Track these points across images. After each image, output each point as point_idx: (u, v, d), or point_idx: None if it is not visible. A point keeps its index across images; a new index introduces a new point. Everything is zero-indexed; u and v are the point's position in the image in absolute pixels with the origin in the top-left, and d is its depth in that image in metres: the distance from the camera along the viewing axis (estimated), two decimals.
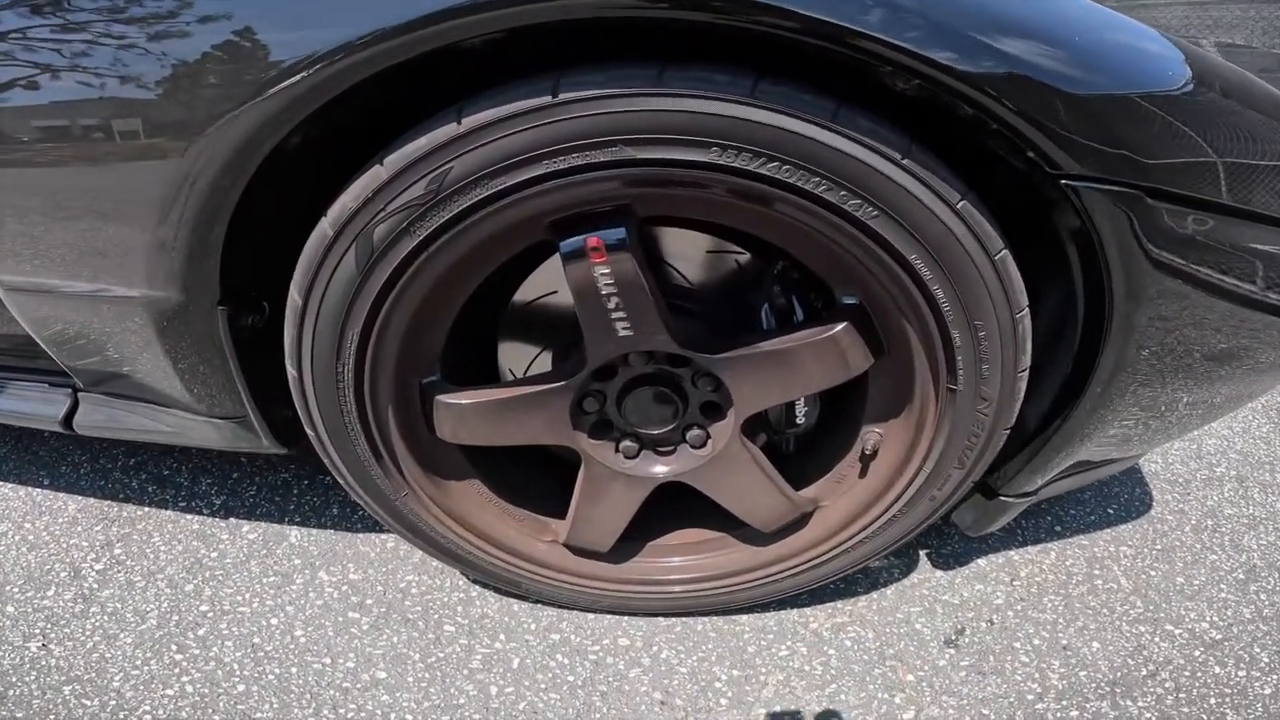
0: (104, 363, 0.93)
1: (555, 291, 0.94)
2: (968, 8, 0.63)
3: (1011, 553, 1.25)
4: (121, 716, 1.00)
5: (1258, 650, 1.10)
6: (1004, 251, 0.72)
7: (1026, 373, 0.80)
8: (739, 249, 0.91)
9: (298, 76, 0.66)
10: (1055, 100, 0.64)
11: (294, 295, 0.79)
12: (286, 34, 0.67)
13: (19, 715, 1.01)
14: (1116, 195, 0.67)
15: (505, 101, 0.68)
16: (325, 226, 0.74)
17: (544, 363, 1.02)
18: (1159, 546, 1.28)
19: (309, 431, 0.90)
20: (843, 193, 0.69)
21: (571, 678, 1.06)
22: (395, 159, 0.70)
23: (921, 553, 1.24)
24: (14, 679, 1.05)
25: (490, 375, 1.04)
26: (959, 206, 0.69)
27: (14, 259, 0.86)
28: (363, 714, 1.00)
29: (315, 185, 0.79)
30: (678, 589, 1.06)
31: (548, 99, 0.67)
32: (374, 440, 0.89)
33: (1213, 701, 1.02)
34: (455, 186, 0.70)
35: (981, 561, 1.23)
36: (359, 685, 1.05)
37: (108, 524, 1.31)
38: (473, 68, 0.73)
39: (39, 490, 1.40)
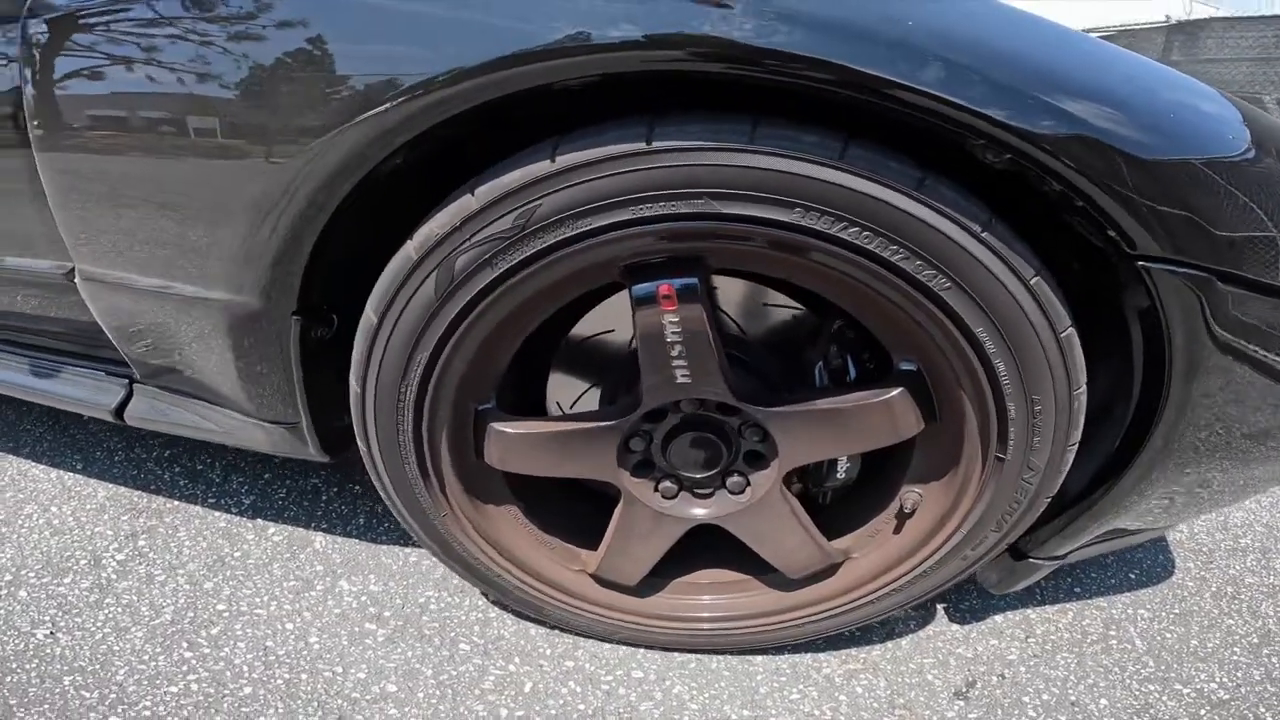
0: (166, 358, 0.92)
1: (612, 330, 0.94)
2: (1052, 75, 0.63)
3: (1029, 610, 1.24)
4: (120, 710, 0.97)
5: (1263, 710, 1.09)
6: (1070, 329, 0.72)
7: (1076, 446, 0.80)
8: (796, 304, 0.91)
9: (416, 97, 0.65)
10: (1131, 168, 0.62)
11: (369, 313, 0.78)
12: (410, 56, 0.66)
13: (11, 703, 0.97)
14: (1188, 278, 0.66)
15: (599, 144, 0.67)
16: (410, 250, 0.73)
17: (590, 399, 1.02)
18: (1177, 610, 1.28)
19: (361, 445, 0.89)
20: (919, 262, 0.69)
21: (583, 706, 1.04)
22: (486, 190, 0.70)
23: (939, 606, 1.23)
24: (14, 666, 1.02)
25: (534, 406, 1.03)
26: (1032, 283, 0.69)
27: (98, 250, 0.85)
28: None
29: (392, 208, 0.79)
30: (703, 626, 1.04)
31: (641, 145, 0.67)
32: (424, 460, 0.87)
33: None
34: (542, 223, 0.70)
35: (998, 618, 1.22)
36: (368, 697, 1.02)
37: (135, 514, 1.29)
38: (561, 105, 0.74)
39: (71, 474, 1.37)
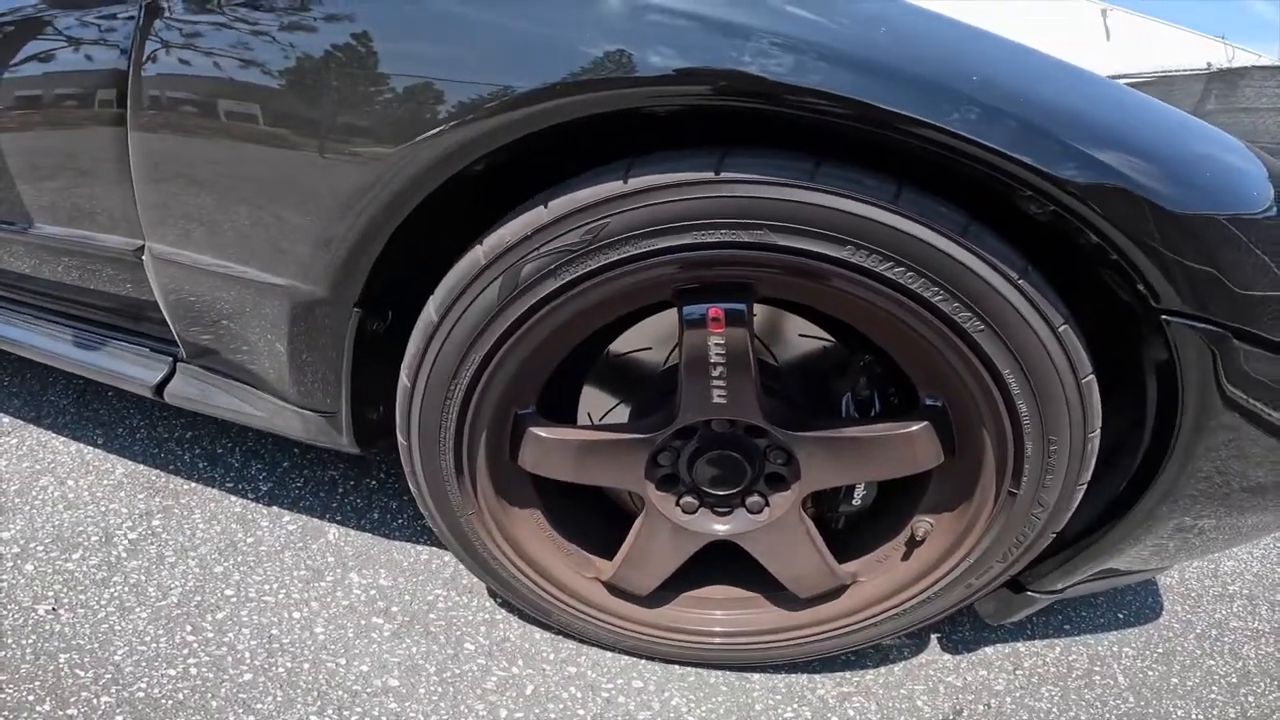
0: (218, 339, 0.93)
1: (650, 348, 0.97)
2: (1098, 130, 0.66)
3: (1019, 644, 1.28)
4: (113, 691, 0.96)
5: None
6: (1090, 376, 0.77)
7: (1085, 485, 0.84)
8: (827, 337, 0.95)
9: (527, 104, 0.69)
10: (1163, 223, 0.65)
11: (430, 311, 0.81)
12: (527, 68, 0.70)
13: (1, 679, 0.96)
14: (1206, 333, 0.70)
15: (671, 170, 0.72)
16: (479, 254, 0.77)
17: (619, 415, 1.05)
18: (1160, 650, 1.33)
19: (401, 438, 0.91)
20: (956, 304, 0.73)
21: (582, 711, 1.05)
22: (559, 203, 0.73)
23: (932, 635, 1.27)
24: (9, 641, 1.01)
25: (564, 417, 1.06)
26: (1060, 330, 0.74)
27: (173, 230, 0.87)
28: (367, 719, 0.99)
29: (455, 212, 0.82)
30: (713, 641, 1.07)
31: (710, 175, 0.71)
32: (461, 458, 0.90)
33: None
34: (608, 240, 0.73)
35: (988, 649, 1.26)
36: (369, 690, 1.03)
37: (151, 493, 1.28)
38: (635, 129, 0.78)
39: (90, 449, 1.36)
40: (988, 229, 0.73)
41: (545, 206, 0.74)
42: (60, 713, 0.92)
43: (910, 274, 0.72)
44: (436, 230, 0.83)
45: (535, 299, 0.77)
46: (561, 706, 1.05)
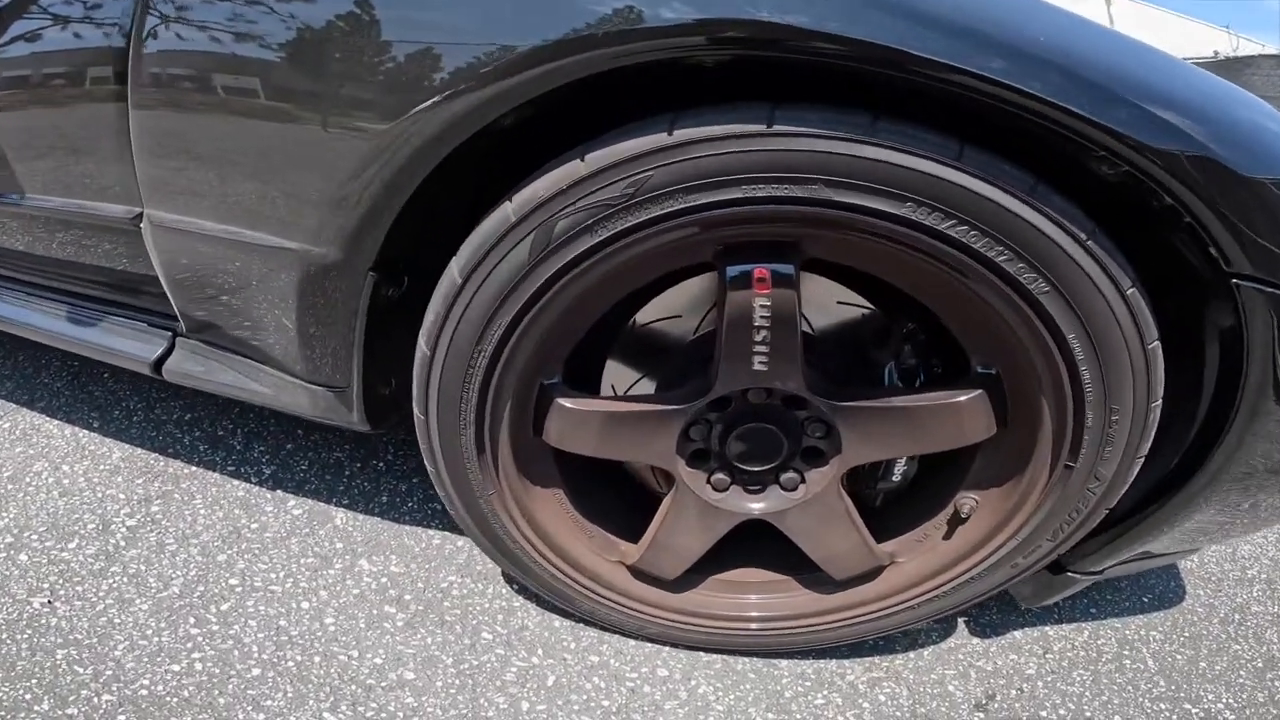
0: (221, 311, 0.87)
1: (680, 316, 0.92)
2: (1169, 95, 0.64)
3: (1047, 628, 1.25)
4: (114, 689, 0.90)
5: None
6: (1156, 342, 0.72)
7: (1143, 458, 0.80)
8: (868, 304, 0.91)
9: (543, 58, 0.64)
10: (1235, 185, 0.64)
11: (453, 272, 0.75)
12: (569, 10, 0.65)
13: None
14: (1273, 297, 0.68)
15: (720, 122, 0.66)
16: (509, 210, 0.71)
17: (643, 387, 1.00)
18: (1187, 634, 1.31)
19: (418, 412, 0.85)
20: (1021, 265, 0.69)
21: (606, 702, 1.01)
22: (598, 156, 0.68)
23: (960, 620, 1.23)
24: (4, 636, 0.95)
25: (586, 386, 1.01)
26: (1129, 293, 0.70)
27: (173, 194, 0.81)
28: (383, 715, 0.93)
29: (481, 174, 0.77)
30: (751, 626, 1.02)
31: (762, 127, 0.66)
32: (483, 432, 0.84)
33: None
34: (651, 194, 0.68)
35: (1018, 634, 1.23)
36: (384, 684, 0.98)
37: (150, 478, 1.22)
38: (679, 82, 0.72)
39: (85, 432, 1.29)
40: (1054, 190, 0.68)
41: (583, 160, 0.68)
42: (60, 712, 0.86)
43: (974, 233, 0.68)
44: (458, 190, 0.78)
45: (569, 257, 0.71)
46: (585, 697, 1.00)
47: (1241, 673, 1.23)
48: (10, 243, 1.17)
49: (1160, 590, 1.41)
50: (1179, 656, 1.25)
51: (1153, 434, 0.78)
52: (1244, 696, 1.18)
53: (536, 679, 1.02)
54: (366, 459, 1.34)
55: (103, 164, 0.90)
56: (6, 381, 1.55)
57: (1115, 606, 1.34)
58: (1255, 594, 1.44)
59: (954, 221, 0.68)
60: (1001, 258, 0.69)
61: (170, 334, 0.99)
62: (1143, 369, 0.73)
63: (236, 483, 1.25)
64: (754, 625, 1.01)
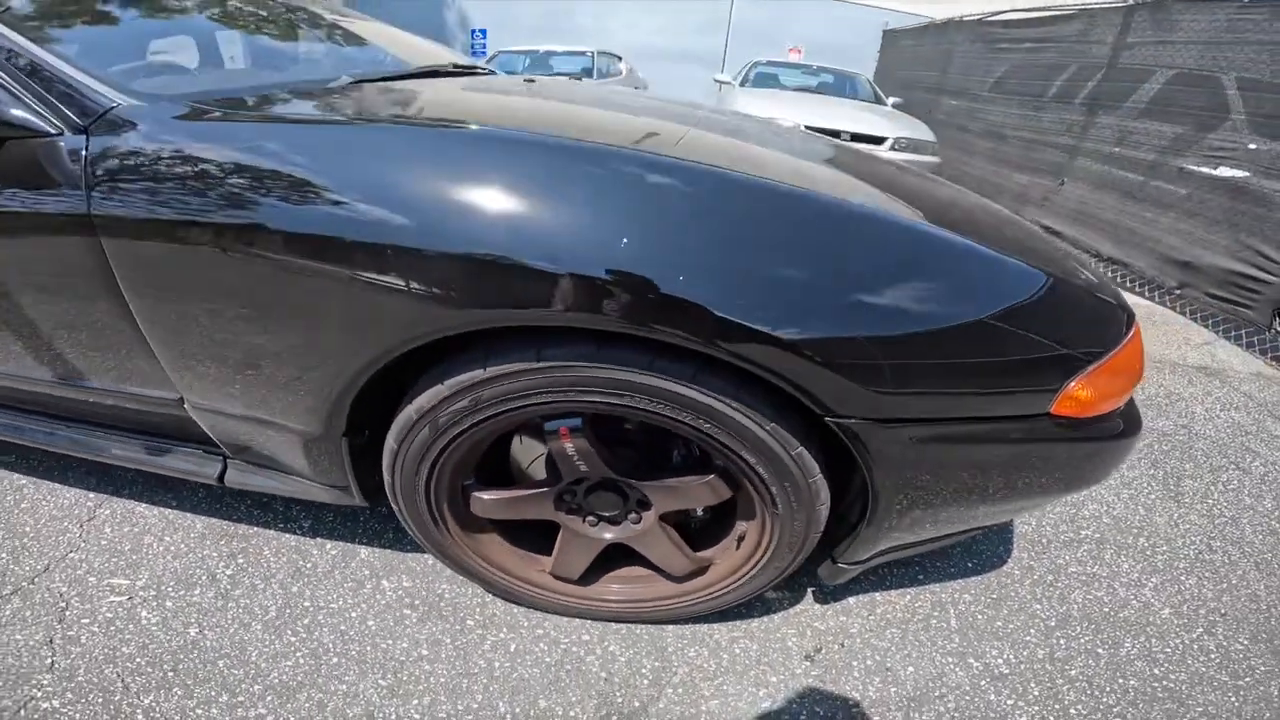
0: (255, 449, 1.80)
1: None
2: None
3: (877, 593, 2.07)
4: (261, 680, 1.91)
5: (1032, 685, 1.90)
6: (799, 449, 1.51)
7: (826, 506, 1.59)
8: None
9: (464, 311, 1.47)
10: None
11: (390, 442, 1.65)
12: (473, 291, 1.46)
13: (189, 683, 1.90)
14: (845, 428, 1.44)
15: (506, 362, 1.47)
16: (410, 411, 1.59)
17: (539, 466, 1.86)
18: (994, 595, 2.07)
19: (394, 505, 1.79)
20: (701, 419, 1.47)
21: (548, 659, 1.95)
22: (453, 382, 1.52)
23: (809, 589, 2.06)
24: (182, 656, 1.97)
25: (501, 474, 1.87)
26: (769, 428, 1.47)
27: (201, 388, 1.71)
28: (413, 677, 1.88)
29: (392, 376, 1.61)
30: (634, 604, 1.95)
31: (534, 363, 1.46)
32: (434, 515, 1.78)
33: None
34: (485, 403, 1.53)
35: (851, 599, 2.06)
36: (411, 659, 1.94)
37: (229, 539, 2.24)
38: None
39: (169, 510, 2.35)
40: (710, 376, 1.45)
41: (443, 384, 1.52)
42: (234, 700, 1.87)
43: (664, 405, 1.47)
44: (385, 386, 1.62)
45: (451, 436, 1.59)
46: (534, 656, 1.95)
47: (1031, 631, 1.94)
48: (81, 411, 2.04)
49: (987, 555, 2.16)
50: (980, 616, 2.00)
51: (823, 494, 1.58)
52: (1025, 654, 1.91)
53: (504, 647, 1.97)
54: (373, 508, 2.28)
55: (144, 361, 1.79)
56: (90, 477, 2.44)
57: (942, 571, 2.12)
58: (1078, 555, 2.10)
59: (653, 400, 1.47)
60: (685, 416, 1.47)
61: (222, 456, 1.93)
62: (795, 464, 1.52)
63: (288, 535, 2.26)
64: (641, 604, 1.90)
